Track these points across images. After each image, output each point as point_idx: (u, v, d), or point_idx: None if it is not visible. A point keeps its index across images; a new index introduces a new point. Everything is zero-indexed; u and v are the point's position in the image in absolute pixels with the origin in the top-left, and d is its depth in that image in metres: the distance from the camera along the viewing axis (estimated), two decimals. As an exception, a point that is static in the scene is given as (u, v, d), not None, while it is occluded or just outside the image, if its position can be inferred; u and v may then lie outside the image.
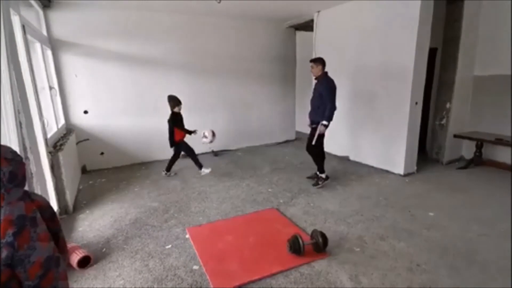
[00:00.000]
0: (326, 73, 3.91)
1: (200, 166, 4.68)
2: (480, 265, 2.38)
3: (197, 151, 5.91)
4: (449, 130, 4.86)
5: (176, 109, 4.48)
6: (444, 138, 4.93)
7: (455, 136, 4.82)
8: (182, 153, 4.71)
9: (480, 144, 4.65)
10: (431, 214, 3.25)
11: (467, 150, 5.04)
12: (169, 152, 5.65)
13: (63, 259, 1.51)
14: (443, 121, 4.91)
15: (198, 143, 5.91)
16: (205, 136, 4.96)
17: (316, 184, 4.10)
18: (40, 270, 1.29)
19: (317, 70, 3.87)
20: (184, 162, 5.36)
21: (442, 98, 4.92)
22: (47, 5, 4.33)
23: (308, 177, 4.39)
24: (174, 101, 4.44)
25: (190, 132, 4.57)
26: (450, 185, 4.06)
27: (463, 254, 2.53)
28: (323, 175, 4.12)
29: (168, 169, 4.70)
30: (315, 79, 3.97)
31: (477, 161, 4.71)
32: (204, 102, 5.88)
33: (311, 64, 3.93)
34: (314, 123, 3.98)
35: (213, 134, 4.98)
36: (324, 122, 3.83)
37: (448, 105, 4.83)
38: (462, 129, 4.97)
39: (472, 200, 3.60)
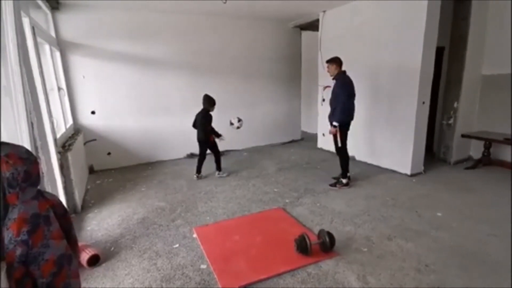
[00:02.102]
0: (343, 72, 3.84)
1: (220, 168, 4.67)
2: (489, 265, 2.36)
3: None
4: (457, 129, 4.81)
5: (210, 109, 4.47)
6: (452, 138, 4.88)
7: (463, 135, 4.77)
8: (189, 153, 4.71)
9: (488, 144, 4.59)
10: (439, 214, 3.22)
11: (475, 150, 4.98)
12: (175, 153, 5.73)
13: (75, 256, 1.54)
14: (451, 121, 4.87)
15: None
16: (231, 124, 4.86)
17: (333, 185, 4.05)
18: (54, 267, 1.31)
19: (332, 69, 3.84)
20: (188, 162, 5.39)
21: (450, 97, 4.87)
22: (55, 7, 4.38)
23: (334, 177, 4.27)
24: (211, 102, 4.44)
25: (218, 135, 4.57)
26: (458, 185, 4.02)
27: (471, 254, 2.51)
28: (344, 181, 4.03)
29: (220, 167, 4.67)
30: (333, 79, 3.91)
31: (486, 161, 4.66)
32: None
33: (326, 64, 3.91)
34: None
35: (239, 120, 4.87)
36: (334, 123, 3.80)
37: (455, 105, 4.79)
38: (470, 128, 4.92)
39: (480, 200, 3.56)
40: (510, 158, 4.58)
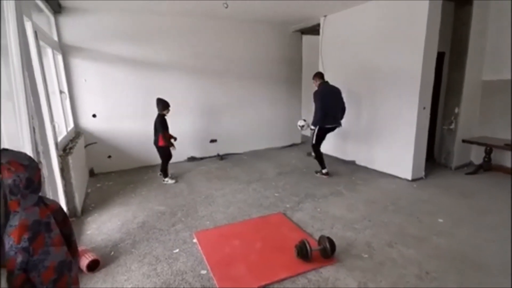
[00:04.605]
0: (320, 83, 4.48)
1: (166, 175, 4.61)
2: (491, 272, 2.35)
3: (204, 155, 5.97)
4: (458, 135, 4.81)
5: (165, 112, 4.47)
6: (453, 143, 4.87)
7: (463, 141, 4.77)
8: (189, 156, 4.71)
9: (489, 149, 4.58)
10: (440, 220, 3.21)
11: (476, 155, 4.98)
12: (176, 156, 5.69)
13: (75, 262, 1.53)
14: (452, 126, 4.87)
15: (204, 146, 5.99)
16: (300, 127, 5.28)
17: (316, 173, 4.79)
18: (54, 274, 1.31)
19: (316, 83, 4.52)
20: (188, 165, 5.39)
21: (450, 102, 4.87)
22: (58, 11, 4.41)
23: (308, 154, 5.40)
24: (164, 104, 4.44)
25: (172, 138, 4.58)
26: (459, 190, 4.01)
27: (473, 261, 2.49)
28: (324, 171, 4.66)
29: (165, 174, 4.61)
30: None
31: (486, 166, 4.65)
32: (210, 105, 5.91)
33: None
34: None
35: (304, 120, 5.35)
36: (311, 126, 4.58)
37: (456, 110, 4.79)
38: (470, 134, 4.92)
39: (481, 206, 3.55)
40: (510, 164, 4.57)
